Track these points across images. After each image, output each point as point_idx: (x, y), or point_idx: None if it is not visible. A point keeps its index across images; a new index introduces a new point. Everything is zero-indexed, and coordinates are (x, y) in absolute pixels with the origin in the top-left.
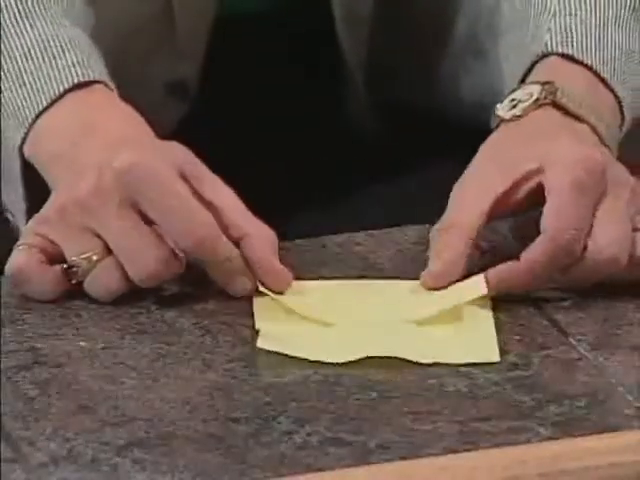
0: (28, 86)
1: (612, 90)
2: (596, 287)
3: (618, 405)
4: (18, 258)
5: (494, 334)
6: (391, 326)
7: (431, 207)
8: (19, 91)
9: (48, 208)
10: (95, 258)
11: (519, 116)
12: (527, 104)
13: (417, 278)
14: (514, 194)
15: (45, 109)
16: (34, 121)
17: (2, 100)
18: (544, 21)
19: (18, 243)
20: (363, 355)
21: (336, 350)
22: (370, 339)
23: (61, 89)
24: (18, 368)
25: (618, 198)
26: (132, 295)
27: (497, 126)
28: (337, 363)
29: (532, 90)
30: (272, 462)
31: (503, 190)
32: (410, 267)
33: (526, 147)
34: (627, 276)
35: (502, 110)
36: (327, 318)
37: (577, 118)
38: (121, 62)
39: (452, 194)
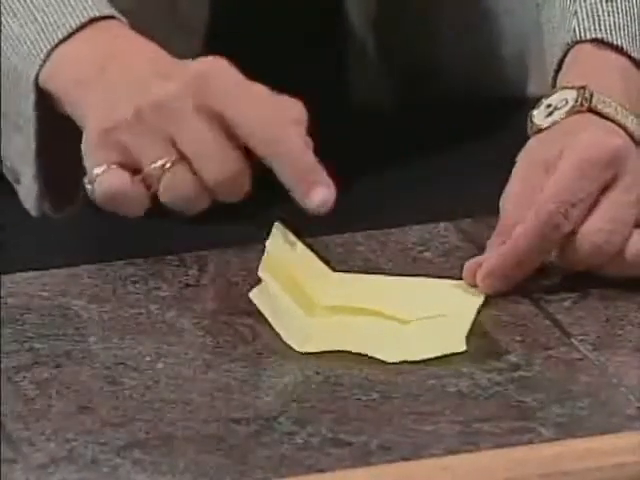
0: (40, 21)
1: None
2: (598, 287)
3: (620, 406)
4: (108, 180)
5: (468, 324)
6: (367, 322)
7: (431, 206)
8: (31, 27)
9: (116, 114)
10: (168, 165)
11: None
12: (563, 111)
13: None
14: None
15: (61, 42)
16: (50, 53)
17: (10, 38)
18: (570, 2)
19: (94, 161)
20: (329, 348)
21: (311, 339)
22: (347, 333)
23: (77, 22)
24: (18, 368)
25: (628, 190)
26: (132, 295)
27: (535, 133)
28: (336, 362)
29: (567, 96)
30: (273, 463)
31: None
32: (412, 268)
33: (556, 144)
34: (617, 273)
35: (538, 117)
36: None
37: (614, 122)
38: None
39: (501, 203)
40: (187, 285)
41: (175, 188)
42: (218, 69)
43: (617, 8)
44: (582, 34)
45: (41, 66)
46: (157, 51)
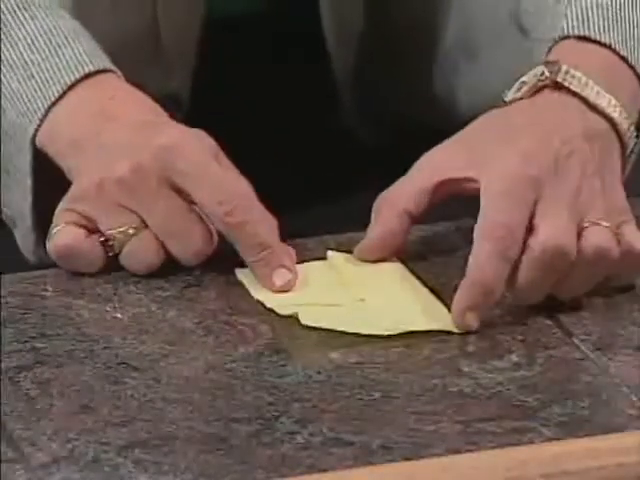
0: (37, 77)
1: (633, 68)
2: (599, 286)
3: (622, 405)
4: (62, 235)
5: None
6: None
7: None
8: (28, 83)
9: (82, 187)
10: (131, 232)
11: (520, 99)
12: (530, 85)
13: (419, 277)
14: (448, 190)
15: (57, 100)
16: (47, 112)
17: (7, 93)
18: (561, 9)
19: (55, 223)
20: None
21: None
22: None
23: (72, 79)
24: (19, 368)
25: (557, 200)
26: (134, 295)
27: None
28: (337, 361)
29: (537, 70)
30: (274, 463)
31: (445, 178)
32: (413, 268)
33: (479, 147)
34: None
35: (510, 93)
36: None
37: (579, 97)
38: None
39: (418, 162)
40: (188, 285)
41: (139, 254)
42: (184, 145)
43: (606, 13)
44: (569, 30)
45: (39, 125)
46: (147, 108)
